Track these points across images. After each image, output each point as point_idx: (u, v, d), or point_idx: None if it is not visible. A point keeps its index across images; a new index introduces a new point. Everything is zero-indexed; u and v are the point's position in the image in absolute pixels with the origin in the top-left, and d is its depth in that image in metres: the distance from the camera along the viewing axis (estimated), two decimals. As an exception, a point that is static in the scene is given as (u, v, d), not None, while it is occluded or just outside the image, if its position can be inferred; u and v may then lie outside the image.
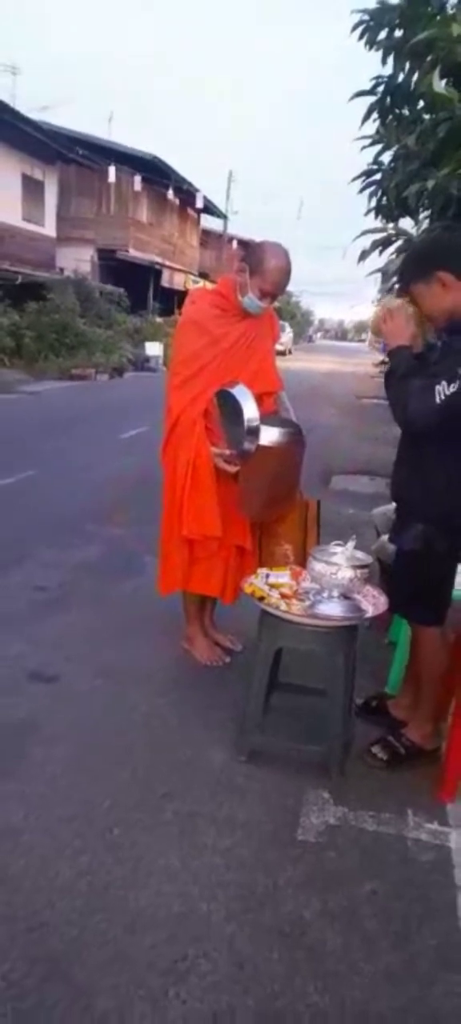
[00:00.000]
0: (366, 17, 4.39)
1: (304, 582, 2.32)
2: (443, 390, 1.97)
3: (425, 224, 4.33)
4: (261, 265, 2.59)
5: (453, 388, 1.96)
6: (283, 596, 2.26)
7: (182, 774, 2.27)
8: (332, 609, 2.18)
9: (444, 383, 1.97)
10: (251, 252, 2.70)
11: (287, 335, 37.80)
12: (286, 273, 2.64)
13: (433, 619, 2.25)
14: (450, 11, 4.08)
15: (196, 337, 2.70)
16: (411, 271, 2.21)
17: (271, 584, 2.33)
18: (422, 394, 2.01)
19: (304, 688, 2.60)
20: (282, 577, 2.37)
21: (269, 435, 2.54)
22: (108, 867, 1.87)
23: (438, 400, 1.97)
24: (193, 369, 2.67)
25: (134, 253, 23.56)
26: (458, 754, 2.19)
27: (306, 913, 1.76)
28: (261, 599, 2.25)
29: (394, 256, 4.09)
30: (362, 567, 2.20)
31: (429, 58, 3.92)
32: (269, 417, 2.66)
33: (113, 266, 23.07)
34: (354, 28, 4.45)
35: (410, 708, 2.44)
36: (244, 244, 34.99)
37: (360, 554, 2.24)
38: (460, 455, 2.11)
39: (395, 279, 4.11)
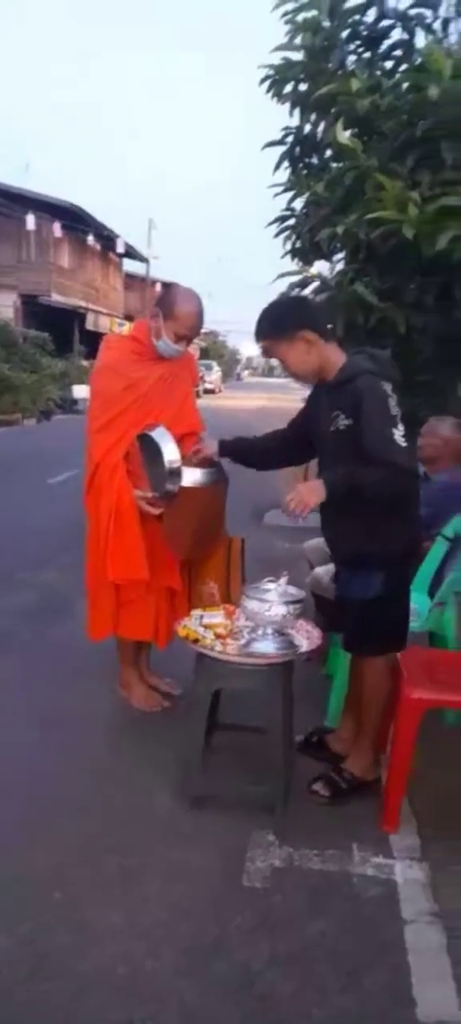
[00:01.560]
0: (272, 72, 4.62)
1: (238, 621, 2.31)
2: (400, 433, 2.02)
3: (339, 266, 4.54)
4: (173, 309, 2.62)
5: (401, 428, 2.03)
6: (218, 636, 2.24)
7: (126, 825, 2.19)
8: (267, 646, 2.18)
9: (393, 430, 2.02)
10: (163, 297, 2.74)
11: (216, 374, 38.50)
12: (199, 316, 2.68)
13: (394, 648, 2.29)
14: (350, 67, 4.35)
15: (114, 382, 2.69)
16: (272, 331, 2.23)
17: (205, 625, 2.30)
18: (397, 449, 2.02)
19: (244, 727, 2.58)
20: (216, 617, 2.35)
21: (191, 476, 2.55)
22: (52, 932, 1.78)
23: (404, 444, 2.03)
24: (112, 414, 2.65)
25: (57, 298, 23.37)
26: (398, 784, 2.21)
27: (255, 962, 1.71)
28: (195, 641, 2.23)
29: (311, 297, 4.25)
30: (295, 602, 2.22)
31: (333, 111, 4.15)
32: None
33: (37, 311, 22.77)
34: (261, 82, 4.66)
35: (349, 741, 2.45)
36: (167, 286, 35.52)
37: (292, 589, 2.26)
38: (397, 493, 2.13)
39: None
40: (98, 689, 3.04)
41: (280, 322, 2.24)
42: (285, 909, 1.89)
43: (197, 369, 3.09)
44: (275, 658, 2.18)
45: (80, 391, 19.69)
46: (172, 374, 2.75)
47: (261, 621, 2.19)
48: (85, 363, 22.46)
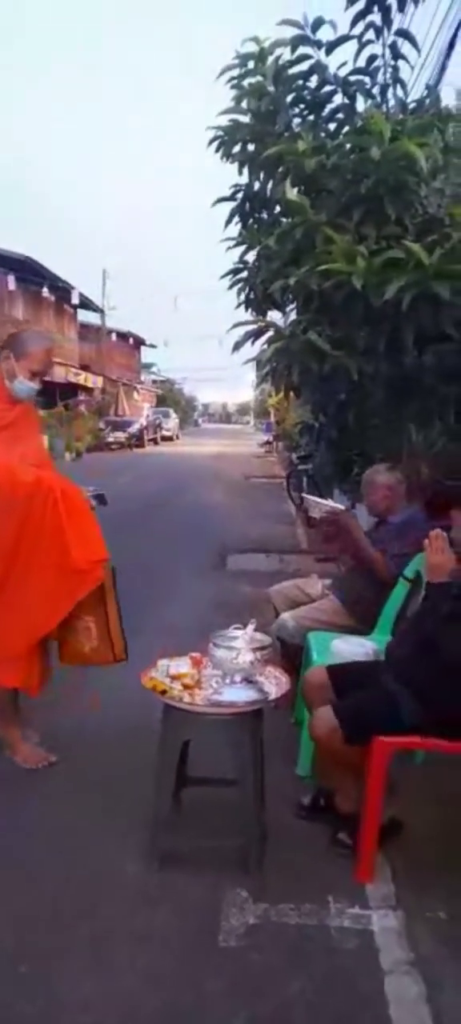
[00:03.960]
0: (220, 133, 4.79)
1: (206, 670, 2.29)
2: None
3: (292, 315, 4.67)
4: (26, 348, 2.74)
5: None
6: (186, 687, 2.21)
7: (92, 890, 2.11)
8: (236, 695, 2.16)
9: None
10: (12, 340, 2.83)
11: (173, 421, 38.77)
12: (50, 352, 2.88)
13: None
14: (295, 129, 4.56)
15: None
16: None
17: (172, 675, 2.27)
18: None
19: (214, 780, 2.52)
20: (183, 667, 2.32)
21: None
22: (18, 1008, 1.69)
23: None
24: None
25: (12, 349, 23.20)
26: (371, 834, 2.19)
27: (233, 1026, 1.65)
28: (163, 692, 2.19)
29: (265, 346, 4.35)
30: (262, 648, 2.21)
31: (280, 170, 4.33)
32: None
33: (-10, 363, 22.51)
34: (210, 143, 4.84)
35: (352, 796, 2.35)
36: (123, 336, 36.01)
37: (259, 635, 2.25)
38: None
39: (267, 368, 4.36)
40: (56, 746, 2.90)
41: None
42: (263, 968, 1.84)
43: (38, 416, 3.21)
44: (244, 707, 2.16)
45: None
46: (24, 416, 2.84)
47: (229, 669, 2.17)
48: (42, 412, 22.32)
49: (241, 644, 2.18)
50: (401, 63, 4.77)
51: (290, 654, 3.15)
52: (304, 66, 4.60)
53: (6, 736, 2.83)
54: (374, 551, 3.08)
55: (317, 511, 3.39)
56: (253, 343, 4.63)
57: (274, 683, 2.26)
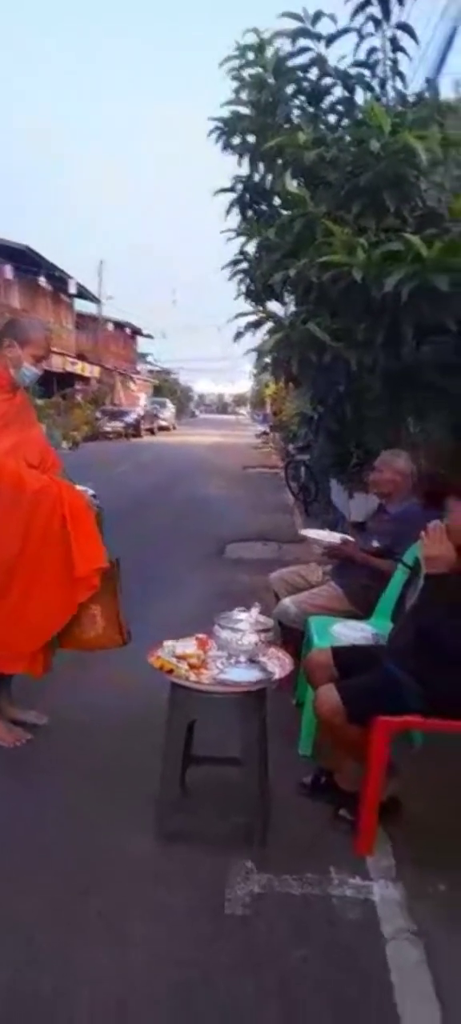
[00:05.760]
0: (221, 124, 4.82)
1: (211, 650, 2.35)
2: None
3: (291, 307, 4.71)
4: (28, 335, 2.80)
5: None
6: (192, 667, 2.27)
7: (103, 866, 2.17)
8: (241, 674, 2.22)
9: None
10: (13, 327, 2.87)
11: (170, 411, 38.73)
12: (50, 337, 2.99)
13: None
14: (295, 121, 4.59)
15: None
16: None
17: (178, 655, 2.33)
18: None
19: (219, 759, 2.59)
20: (189, 647, 2.38)
21: None
22: (33, 979, 1.74)
23: None
24: None
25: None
26: (372, 806, 2.26)
27: (241, 995, 1.72)
28: (170, 672, 2.25)
29: (266, 336, 4.40)
30: (265, 630, 2.27)
31: (280, 161, 4.36)
32: None
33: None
34: (210, 133, 4.86)
35: (352, 774, 2.43)
36: (120, 325, 35.93)
37: (262, 618, 2.32)
38: None
39: (268, 359, 4.41)
40: (63, 731, 2.98)
41: None
42: (267, 938, 1.90)
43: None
44: (249, 686, 2.23)
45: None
46: (24, 409, 2.90)
47: (234, 650, 2.23)
48: (39, 401, 22.29)
49: (245, 626, 2.24)
50: (401, 56, 4.80)
51: (290, 638, 3.22)
52: (304, 58, 4.63)
53: None
54: (381, 563, 3.15)
55: (317, 547, 3.56)
56: (254, 333, 4.68)
57: (277, 663, 2.33)
